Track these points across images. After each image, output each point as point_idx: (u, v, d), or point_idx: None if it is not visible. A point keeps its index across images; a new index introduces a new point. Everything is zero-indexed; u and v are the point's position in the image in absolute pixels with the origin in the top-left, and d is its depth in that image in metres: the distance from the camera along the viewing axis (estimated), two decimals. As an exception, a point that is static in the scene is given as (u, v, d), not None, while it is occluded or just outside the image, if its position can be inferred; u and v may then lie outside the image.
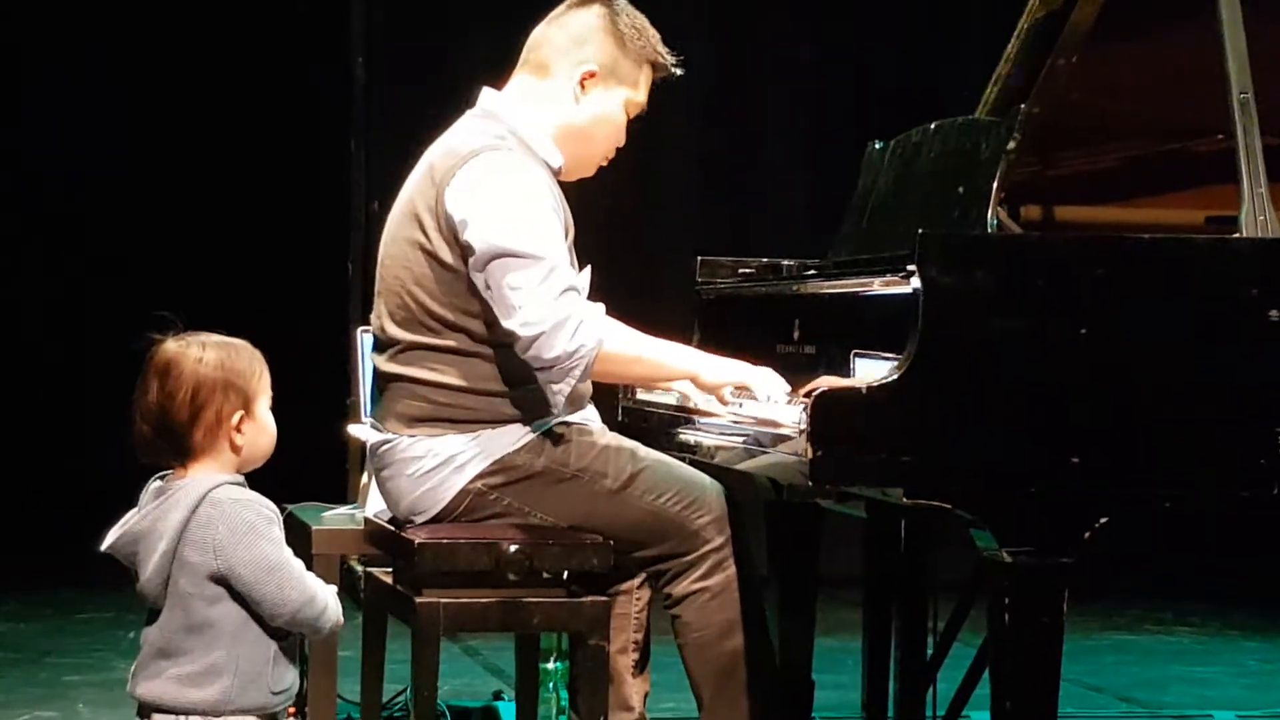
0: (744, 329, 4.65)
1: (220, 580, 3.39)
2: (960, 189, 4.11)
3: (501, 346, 4.01)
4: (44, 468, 8.93)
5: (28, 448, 9.01)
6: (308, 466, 5.75)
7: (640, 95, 4.22)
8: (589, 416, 4.17)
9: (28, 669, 6.40)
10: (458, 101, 4.26)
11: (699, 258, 4.94)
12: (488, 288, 3.96)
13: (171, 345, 3.45)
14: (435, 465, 4.03)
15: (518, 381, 4.02)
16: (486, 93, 4.22)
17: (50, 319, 9.21)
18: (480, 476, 4.02)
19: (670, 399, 4.47)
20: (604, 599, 3.98)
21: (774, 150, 8.88)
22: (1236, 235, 3.89)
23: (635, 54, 4.19)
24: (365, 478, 4.72)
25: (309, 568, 3.46)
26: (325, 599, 3.44)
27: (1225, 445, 3.68)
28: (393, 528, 4.13)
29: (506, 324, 3.93)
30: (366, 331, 4.66)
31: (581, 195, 4.27)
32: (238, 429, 3.45)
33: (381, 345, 4.14)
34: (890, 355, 3.71)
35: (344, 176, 7.23)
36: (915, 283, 3.59)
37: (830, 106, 8.74)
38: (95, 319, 8.71)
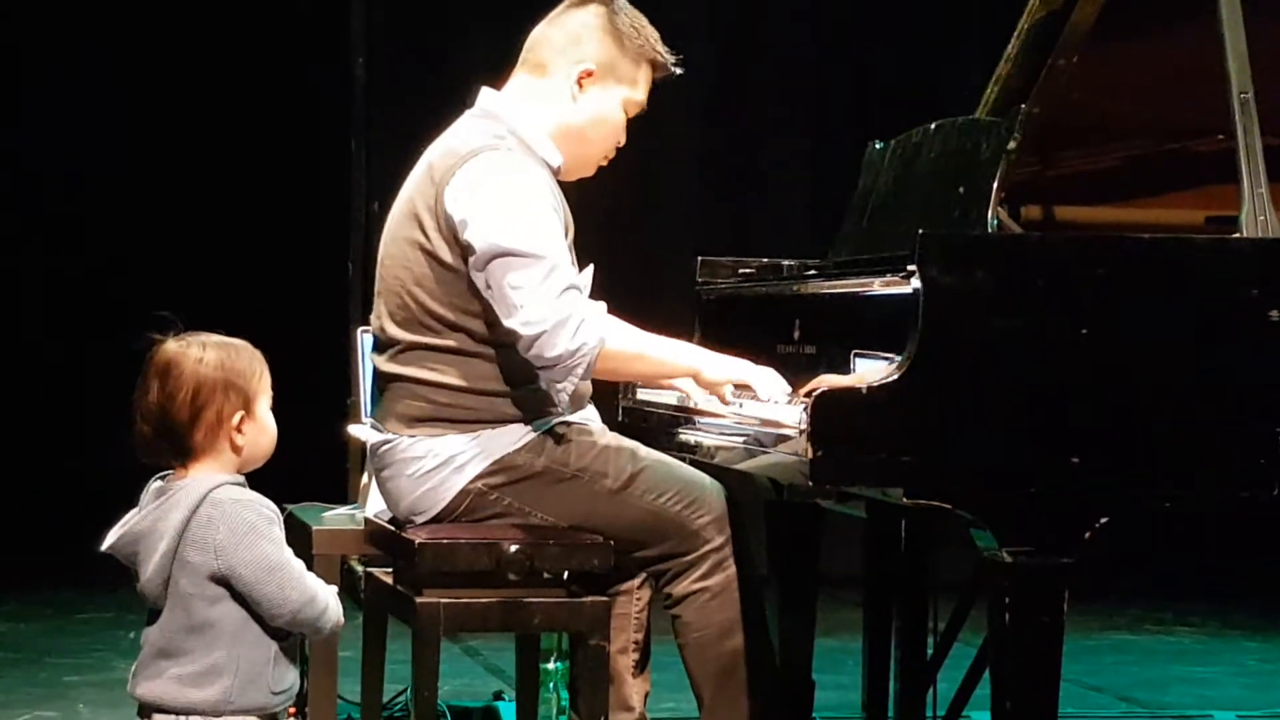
0: (744, 329, 4.64)
1: (221, 580, 3.39)
2: (960, 189, 4.11)
3: (502, 346, 4.01)
4: (44, 468, 8.93)
5: (28, 448, 9.01)
6: (308, 466, 5.75)
7: (639, 94, 4.21)
8: (589, 416, 4.17)
9: (28, 669, 6.39)
10: (458, 101, 4.26)
11: (699, 258, 4.93)
12: (488, 287, 3.96)
13: (172, 345, 3.45)
14: (435, 465, 4.02)
15: (518, 381, 4.02)
16: (486, 92, 4.21)
17: (50, 319, 9.20)
18: (480, 476, 4.02)
19: (670, 399, 4.47)
20: (604, 599, 3.98)
21: (774, 150, 8.87)
22: (1237, 235, 3.89)
23: (634, 53, 4.18)
24: (365, 478, 4.72)
25: (309, 568, 3.46)
26: (326, 599, 3.44)
27: (1225, 445, 3.68)
28: (393, 528, 4.13)
29: (508, 323, 3.93)
30: (366, 331, 4.66)
31: (581, 195, 4.27)
32: (238, 429, 3.45)
33: (381, 345, 4.14)
34: (890, 355, 3.71)
35: (344, 176, 7.21)
36: (915, 283, 3.59)
37: (830, 106, 8.73)
38: (95, 319, 8.70)
